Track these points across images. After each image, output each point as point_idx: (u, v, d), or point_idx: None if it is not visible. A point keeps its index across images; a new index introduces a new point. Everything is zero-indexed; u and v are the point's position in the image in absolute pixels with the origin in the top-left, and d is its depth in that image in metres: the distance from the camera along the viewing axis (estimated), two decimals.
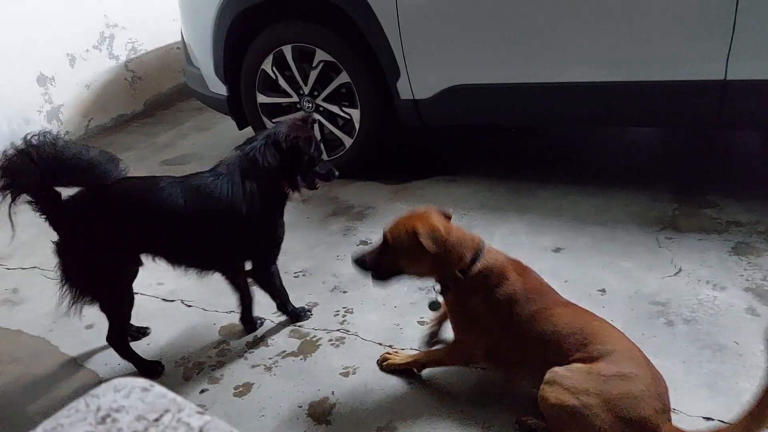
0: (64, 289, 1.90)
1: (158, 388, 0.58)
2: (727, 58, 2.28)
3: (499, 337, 1.74)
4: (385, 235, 1.77)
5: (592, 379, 1.49)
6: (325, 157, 2.18)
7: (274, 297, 2.18)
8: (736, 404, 1.65)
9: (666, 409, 1.49)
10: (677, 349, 1.89)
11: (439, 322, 2.09)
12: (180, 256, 1.98)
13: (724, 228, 2.48)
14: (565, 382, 1.50)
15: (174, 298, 2.46)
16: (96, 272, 1.89)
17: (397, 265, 1.77)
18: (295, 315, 2.23)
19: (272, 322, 2.25)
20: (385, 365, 1.95)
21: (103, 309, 1.96)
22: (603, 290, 2.20)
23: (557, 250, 2.48)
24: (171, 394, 0.57)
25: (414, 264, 1.76)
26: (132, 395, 0.57)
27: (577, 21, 2.49)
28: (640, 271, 2.28)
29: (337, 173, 2.17)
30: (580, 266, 2.36)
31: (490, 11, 2.62)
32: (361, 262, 1.80)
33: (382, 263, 1.78)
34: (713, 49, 2.30)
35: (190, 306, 2.42)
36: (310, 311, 2.28)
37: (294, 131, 2.00)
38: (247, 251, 2.07)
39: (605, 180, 2.97)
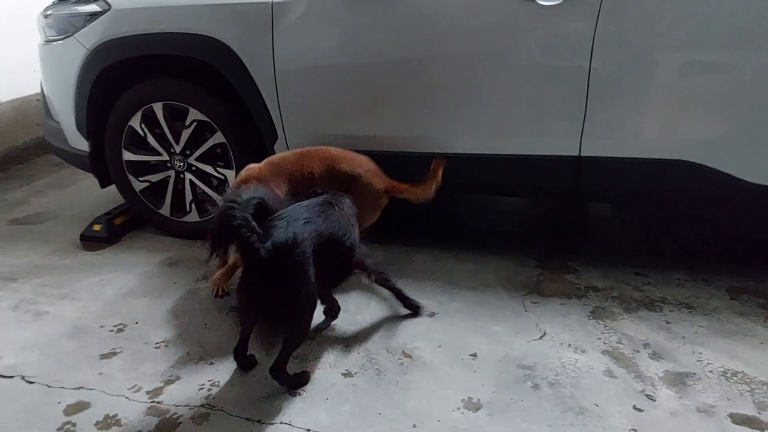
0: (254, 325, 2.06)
1: None
2: (581, 136, 2.49)
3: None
4: None
5: None
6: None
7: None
8: None
9: None
10: (543, 413, 1.94)
11: None
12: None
13: (583, 293, 2.64)
14: None
15: (13, 374, 2.17)
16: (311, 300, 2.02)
17: None
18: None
19: (127, 399, 2.05)
20: None
21: (295, 338, 2.05)
22: (474, 354, 2.24)
23: (431, 314, 2.50)
24: None
25: None
26: None
27: (446, 94, 2.63)
28: (508, 335, 2.35)
29: None
30: (453, 331, 2.39)
31: (364, 84, 2.70)
32: None
33: None
34: (569, 127, 2.50)
35: (31, 382, 2.14)
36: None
37: None
38: None
39: (476, 246, 3.08)
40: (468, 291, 2.67)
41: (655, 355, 2.21)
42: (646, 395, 2.00)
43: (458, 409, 1.97)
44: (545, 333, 2.35)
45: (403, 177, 2.85)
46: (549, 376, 2.11)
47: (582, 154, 2.52)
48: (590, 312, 2.49)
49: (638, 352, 2.23)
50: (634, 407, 1.95)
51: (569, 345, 2.28)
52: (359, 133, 2.80)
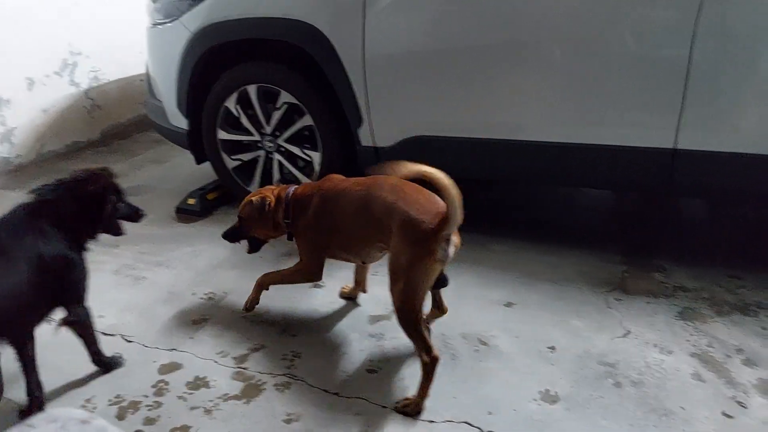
0: None
1: (99, 422, 0.53)
2: (677, 128, 2.38)
3: (333, 243, 2.21)
4: (239, 213, 2.38)
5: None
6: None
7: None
8: None
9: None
10: (624, 411, 1.89)
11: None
12: None
13: (672, 292, 2.53)
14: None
15: (114, 333, 2.35)
16: None
17: (249, 230, 2.40)
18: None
19: (216, 363, 2.16)
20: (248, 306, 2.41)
21: None
22: (552, 347, 2.21)
23: (508, 304, 2.49)
24: (113, 429, 0.52)
25: (258, 226, 2.35)
26: (69, 427, 0.52)
27: (535, 82, 2.59)
28: (590, 331, 2.30)
29: (143, 212, 2.18)
30: (531, 322, 2.36)
31: (453, 70, 2.69)
32: (227, 235, 2.46)
33: (241, 231, 2.42)
34: (664, 118, 2.40)
35: (130, 341, 2.31)
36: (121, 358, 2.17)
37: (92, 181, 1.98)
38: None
39: (557, 238, 3.02)
40: (548, 284, 2.63)
41: (749, 362, 2.10)
42: (737, 402, 1.91)
43: (535, 400, 1.95)
44: (629, 331, 2.29)
45: (486, 165, 2.84)
46: (632, 375, 2.05)
47: (678, 147, 2.41)
48: (678, 312, 2.39)
49: (730, 357, 2.13)
50: (723, 413, 1.87)
51: (655, 345, 2.20)
52: (445, 118, 2.79)
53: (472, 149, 2.78)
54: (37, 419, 0.54)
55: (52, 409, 0.53)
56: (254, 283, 2.39)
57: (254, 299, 2.40)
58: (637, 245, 2.95)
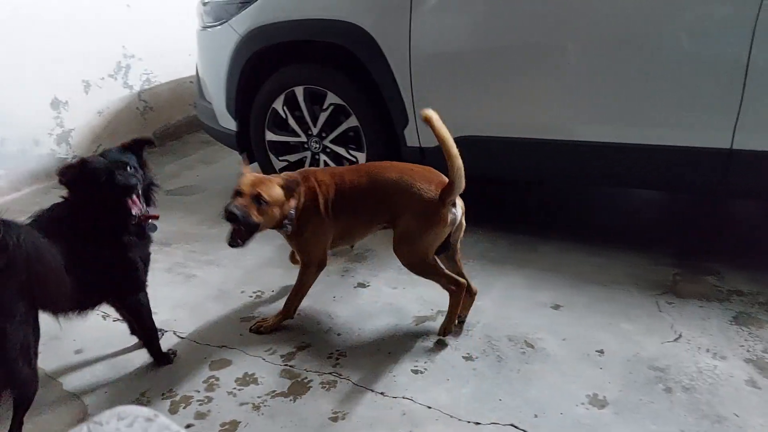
0: None
1: (162, 420, 0.56)
2: (734, 128, 2.31)
3: (344, 231, 2.29)
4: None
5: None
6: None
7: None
8: None
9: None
10: (675, 417, 1.85)
11: None
12: None
13: (726, 296, 2.46)
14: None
15: (167, 329, 2.42)
16: None
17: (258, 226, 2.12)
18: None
19: (264, 360, 2.21)
20: (261, 330, 2.36)
21: None
22: (601, 351, 2.17)
23: (556, 307, 2.46)
24: (175, 426, 0.55)
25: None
26: (135, 425, 0.55)
27: (586, 81, 2.54)
28: (640, 335, 2.25)
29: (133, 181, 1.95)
30: (579, 325, 2.33)
31: (501, 69, 2.68)
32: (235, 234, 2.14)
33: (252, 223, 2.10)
34: (720, 118, 2.33)
35: (182, 337, 2.38)
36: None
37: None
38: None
39: (606, 240, 2.96)
40: (596, 286, 2.58)
41: None
42: None
43: (582, 404, 1.93)
44: (681, 335, 2.23)
45: (537, 165, 2.81)
46: (683, 381, 2.00)
47: (734, 147, 2.34)
48: (733, 317, 2.32)
49: None
50: None
51: (707, 350, 2.14)
52: (493, 118, 2.78)
53: (522, 149, 2.75)
54: (105, 416, 0.57)
55: (120, 407, 0.56)
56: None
57: (273, 327, 2.37)
58: (688, 248, 2.87)
